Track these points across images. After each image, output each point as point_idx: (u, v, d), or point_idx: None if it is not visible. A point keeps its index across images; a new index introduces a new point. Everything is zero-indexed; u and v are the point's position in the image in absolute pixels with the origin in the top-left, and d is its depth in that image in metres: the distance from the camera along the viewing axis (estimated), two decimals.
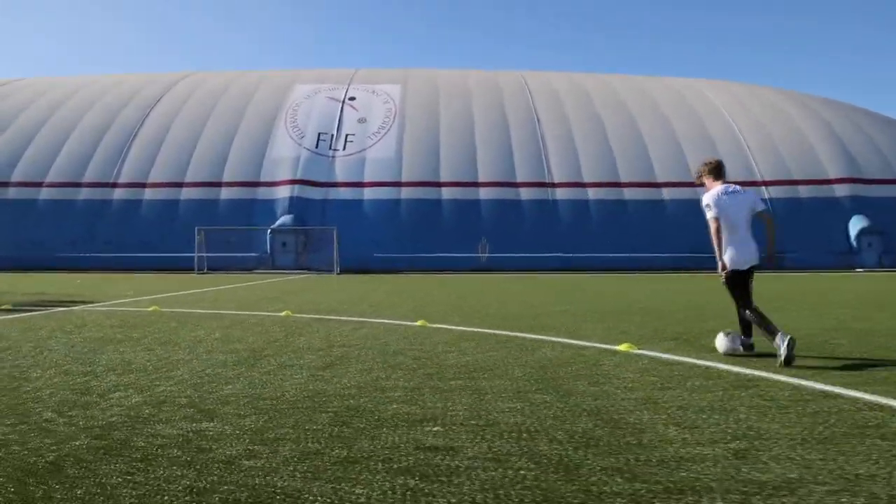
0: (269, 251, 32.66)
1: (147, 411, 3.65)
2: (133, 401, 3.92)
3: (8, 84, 42.86)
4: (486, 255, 33.09)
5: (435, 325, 8.07)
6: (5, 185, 34.44)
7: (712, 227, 5.59)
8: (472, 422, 3.47)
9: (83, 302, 11.87)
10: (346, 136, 37.21)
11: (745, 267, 5.59)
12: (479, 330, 7.60)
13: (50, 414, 3.58)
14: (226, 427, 3.33)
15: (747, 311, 5.55)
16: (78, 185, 34.58)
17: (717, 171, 5.83)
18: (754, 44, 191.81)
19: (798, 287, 17.35)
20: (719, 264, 5.66)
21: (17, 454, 2.88)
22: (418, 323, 8.25)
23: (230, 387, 4.34)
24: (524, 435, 3.23)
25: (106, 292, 14.63)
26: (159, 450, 2.94)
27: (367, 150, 36.44)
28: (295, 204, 33.90)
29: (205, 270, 29.80)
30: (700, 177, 5.96)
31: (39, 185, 34.50)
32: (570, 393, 4.21)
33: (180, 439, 3.11)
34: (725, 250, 5.57)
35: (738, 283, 5.63)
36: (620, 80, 44.51)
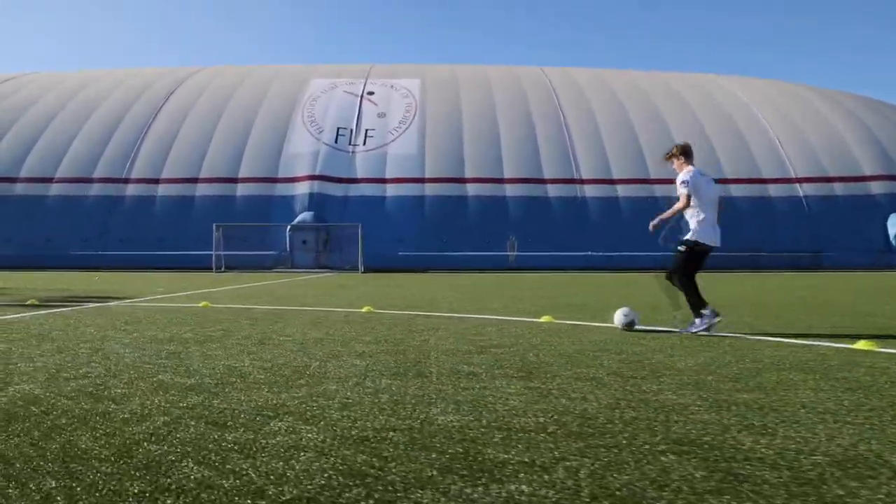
0: (288, 249, 31.07)
1: (360, 460, 2.12)
2: (310, 438, 2.39)
3: (15, 79, 41.26)
4: (515, 253, 31.60)
5: (566, 322, 6.57)
6: (13, 180, 32.79)
7: (683, 202, 5.68)
8: None
9: (115, 298, 10.34)
10: (366, 131, 35.67)
11: (717, 245, 5.76)
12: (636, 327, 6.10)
13: (199, 469, 2.04)
14: (548, 492, 1.82)
15: (677, 281, 5.73)
16: (89, 180, 32.96)
17: (689, 153, 5.98)
18: (754, 43, 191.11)
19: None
20: (660, 219, 5.88)
21: None
22: (543, 319, 6.75)
23: (436, 409, 2.82)
24: None
25: (133, 289, 13.09)
26: None
27: (389, 146, 34.91)
28: (315, 200, 32.33)
29: (222, 269, 28.23)
30: (671, 156, 6.04)
31: (49, 181, 32.88)
32: None
33: None
34: (703, 227, 5.69)
35: (699, 258, 5.76)
36: (644, 76, 43.06)
